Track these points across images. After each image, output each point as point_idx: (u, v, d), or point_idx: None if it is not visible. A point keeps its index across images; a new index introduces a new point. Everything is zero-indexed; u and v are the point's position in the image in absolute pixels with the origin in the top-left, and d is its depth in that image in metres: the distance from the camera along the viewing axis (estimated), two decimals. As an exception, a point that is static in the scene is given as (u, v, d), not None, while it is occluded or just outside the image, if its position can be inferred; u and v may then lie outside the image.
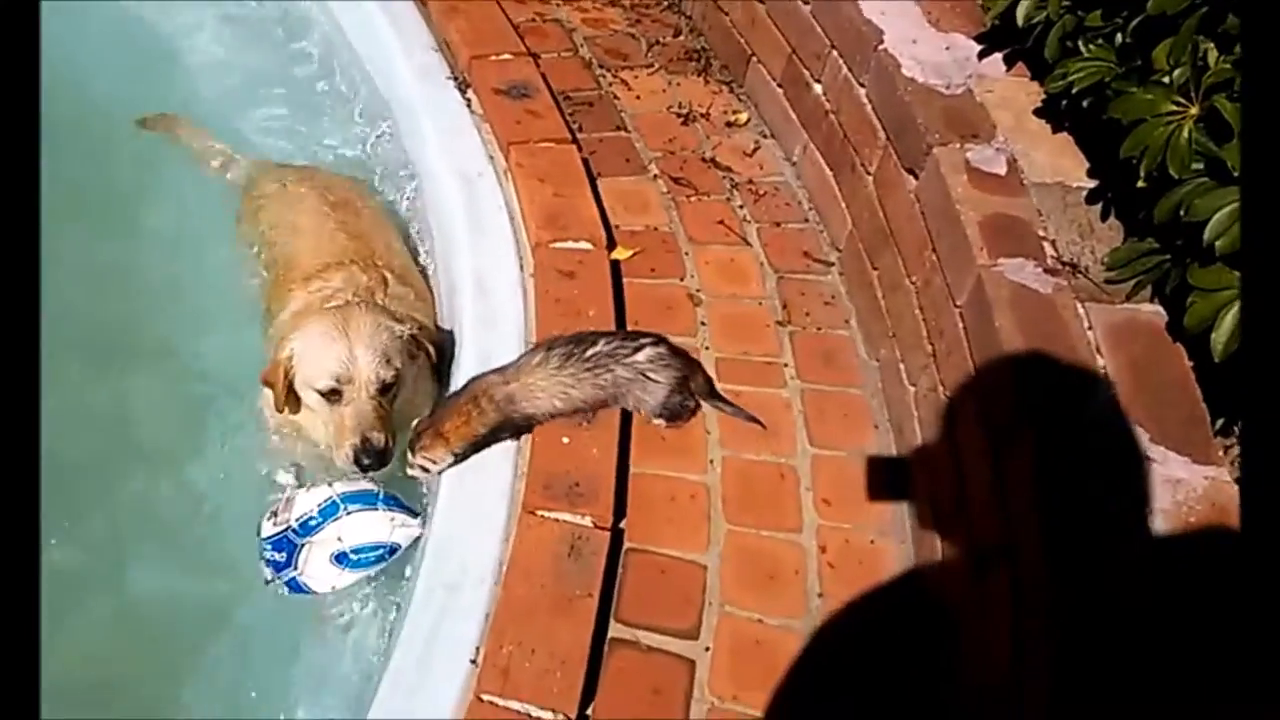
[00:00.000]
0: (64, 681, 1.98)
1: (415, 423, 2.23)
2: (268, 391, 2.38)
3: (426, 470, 2.20)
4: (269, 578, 2.24)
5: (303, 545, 2.22)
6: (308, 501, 2.25)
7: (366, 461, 2.25)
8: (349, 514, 2.22)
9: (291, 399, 2.33)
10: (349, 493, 2.26)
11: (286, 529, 2.23)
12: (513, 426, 2.19)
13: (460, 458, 2.18)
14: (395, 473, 2.33)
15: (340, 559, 2.21)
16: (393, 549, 2.23)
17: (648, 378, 2.21)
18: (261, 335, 2.64)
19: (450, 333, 2.56)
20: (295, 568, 2.22)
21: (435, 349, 2.43)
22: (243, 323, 2.77)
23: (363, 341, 2.27)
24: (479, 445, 2.18)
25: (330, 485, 2.28)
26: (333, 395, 2.28)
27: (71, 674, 2.15)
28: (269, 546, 2.24)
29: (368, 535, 2.22)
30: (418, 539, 2.23)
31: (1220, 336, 1.69)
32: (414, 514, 2.27)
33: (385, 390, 2.29)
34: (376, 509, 2.24)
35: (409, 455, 2.19)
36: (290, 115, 3.52)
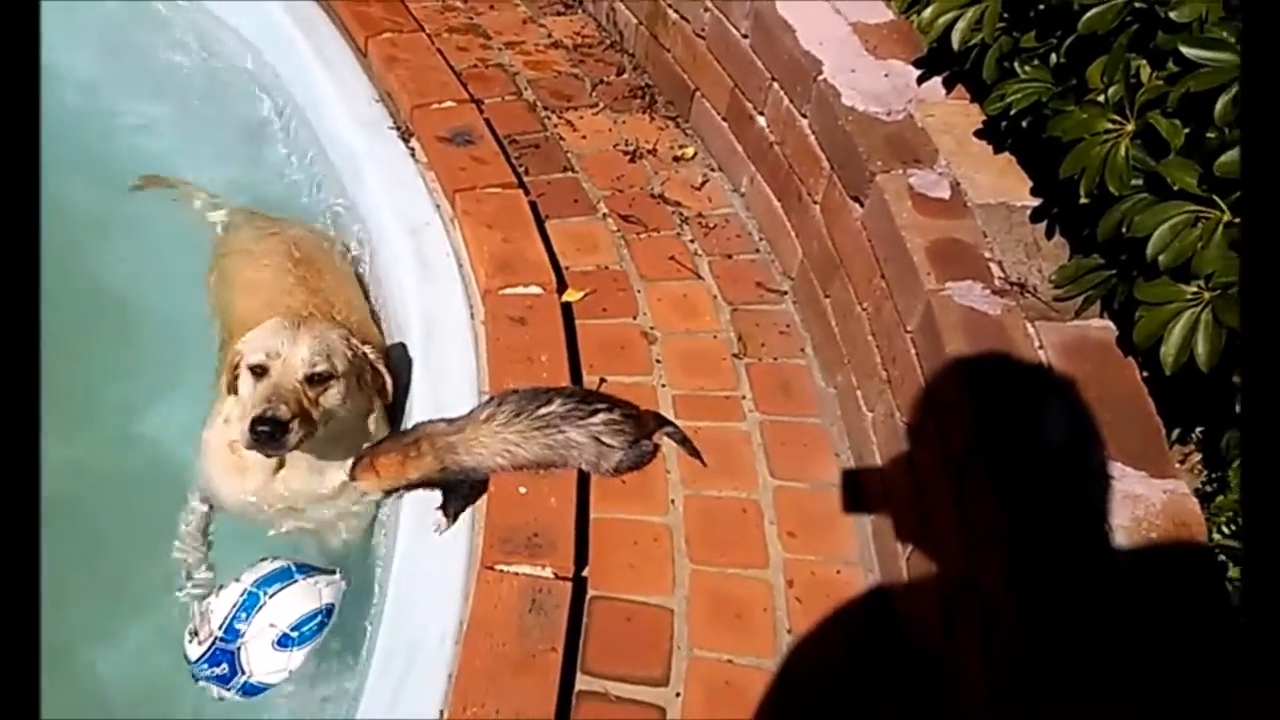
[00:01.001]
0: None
1: (364, 446, 2.16)
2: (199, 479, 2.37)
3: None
4: (219, 695, 2.14)
5: (238, 648, 2.13)
6: (223, 605, 2.16)
7: (262, 429, 2.08)
8: (271, 597, 2.15)
9: (233, 385, 2.27)
10: (261, 578, 2.19)
11: (214, 641, 2.13)
12: (452, 478, 2.11)
13: (392, 494, 2.14)
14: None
15: (283, 642, 2.14)
16: (329, 610, 2.18)
17: (602, 442, 2.15)
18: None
19: (406, 374, 2.51)
20: (242, 672, 2.12)
21: (393, 380, 2.38)
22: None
23: (310, 333, 2.22)
24: (413, 487, 2.12)
25: (238, 580, 2.20)
26: (259, 371, 2.18)
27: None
28: (205, 665, 2.13)
29: (300, 608, 2.16)
30: (345, 591, 2.19)
31: (1169, 350, 1.69)
32: (331, 571, 2.22)
33: (313, 381, 2.20)
34: (296, 581, 2.18)
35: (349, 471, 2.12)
36: (244, 171, 3.49)
